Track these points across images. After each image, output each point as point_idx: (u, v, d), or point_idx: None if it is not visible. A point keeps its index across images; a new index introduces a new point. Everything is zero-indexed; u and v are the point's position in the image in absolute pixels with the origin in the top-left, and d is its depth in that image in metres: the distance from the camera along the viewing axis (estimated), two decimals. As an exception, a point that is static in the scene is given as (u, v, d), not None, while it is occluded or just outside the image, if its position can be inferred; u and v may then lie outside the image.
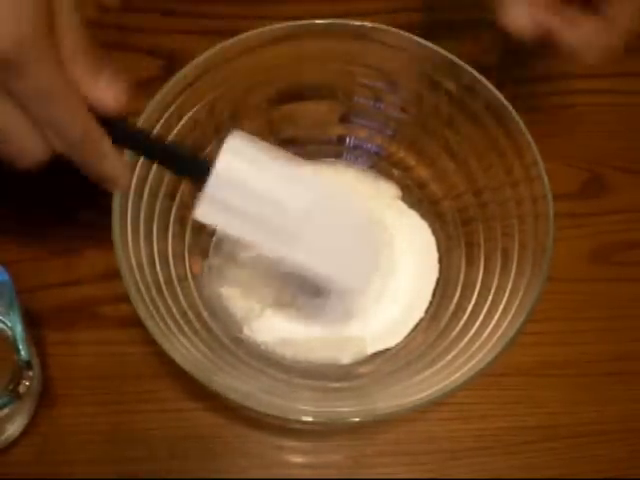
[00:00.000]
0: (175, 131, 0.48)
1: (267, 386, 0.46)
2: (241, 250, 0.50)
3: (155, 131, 0.46)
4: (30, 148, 0.36)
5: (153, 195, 0.46)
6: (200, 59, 0.47)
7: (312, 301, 0.50)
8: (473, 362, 0.42)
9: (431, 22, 0.49)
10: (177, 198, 0.49)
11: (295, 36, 0.48)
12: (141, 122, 0.44)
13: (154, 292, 0.44)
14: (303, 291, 0.50)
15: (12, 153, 0.36)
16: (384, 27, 0.48)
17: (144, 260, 0.45)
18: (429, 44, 0.48)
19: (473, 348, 0.44)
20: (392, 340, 0.50)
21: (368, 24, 0.48)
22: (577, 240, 0.55)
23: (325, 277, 0.44)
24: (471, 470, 0.49)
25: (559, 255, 0.44)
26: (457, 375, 0.42)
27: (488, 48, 0.60)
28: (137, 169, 0.45)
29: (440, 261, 0.53)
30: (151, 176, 0.46)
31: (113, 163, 0.39)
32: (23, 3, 0.32)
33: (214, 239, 0.52)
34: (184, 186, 0.49)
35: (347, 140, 0.55)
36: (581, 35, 0.43)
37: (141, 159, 0.44)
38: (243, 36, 0.48)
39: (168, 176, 0.47)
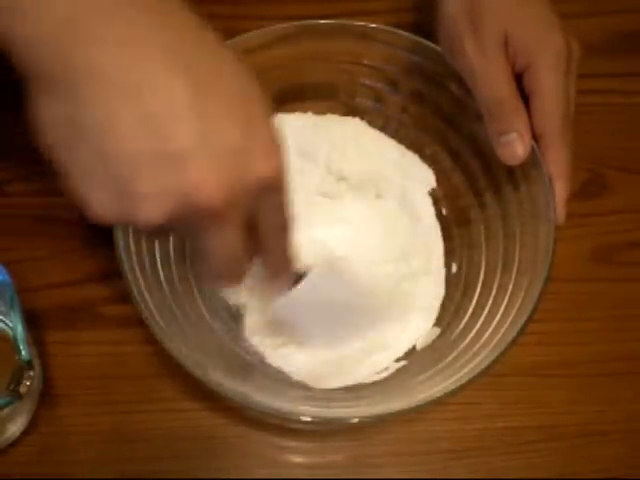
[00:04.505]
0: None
1: (267, 386, 0.46)
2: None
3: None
4: (243, 267, 0.37)
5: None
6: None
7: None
8: (474, 363, 0.42)
9: (431, 22, 0.49)
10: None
11: (295, 36, 0.48)
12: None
13: (155, 291, 0.44)
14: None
15: (226, 271, 0.36)
16: (385, 27, 0.48)
17: (145, 259, 0.45)
18: (429, 44, 0.48)
19: (474, 349, 0.44)
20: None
21: (369, 24, 0.48)
22: (578, 240, 0.55)
23: None
24: (471, 470, 0.49)
25: (560, 255, 0.44)
26: (458, 376, 0.42)
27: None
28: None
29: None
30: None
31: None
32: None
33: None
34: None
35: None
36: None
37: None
38: (243, 36, 0.48)
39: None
